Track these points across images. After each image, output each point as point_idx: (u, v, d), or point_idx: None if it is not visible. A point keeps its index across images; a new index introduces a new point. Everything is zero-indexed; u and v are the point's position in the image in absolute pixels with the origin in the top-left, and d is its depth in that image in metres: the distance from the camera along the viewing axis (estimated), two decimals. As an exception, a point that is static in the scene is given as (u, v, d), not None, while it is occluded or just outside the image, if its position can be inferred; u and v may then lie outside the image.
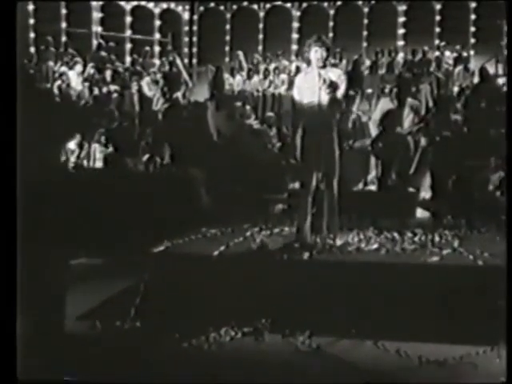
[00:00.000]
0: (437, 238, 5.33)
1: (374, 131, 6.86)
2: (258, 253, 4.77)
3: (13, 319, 2.79)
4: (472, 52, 13.34)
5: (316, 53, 4.86)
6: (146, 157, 8.76)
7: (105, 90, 11.28)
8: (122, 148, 9.23)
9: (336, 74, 4.88)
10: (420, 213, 7.43)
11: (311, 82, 4.87)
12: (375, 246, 4.99)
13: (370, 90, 12.26)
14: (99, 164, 8.80)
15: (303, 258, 4.59)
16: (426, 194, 7.90)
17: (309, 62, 4.95)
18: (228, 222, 6.48)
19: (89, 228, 5.82)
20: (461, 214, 7.16)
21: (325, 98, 4.80)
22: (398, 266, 4.46)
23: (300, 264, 4.55)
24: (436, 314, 3.98)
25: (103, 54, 12.53)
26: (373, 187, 7.94)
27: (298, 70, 12.89)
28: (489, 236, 5.63)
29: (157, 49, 13.94)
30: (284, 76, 12.96)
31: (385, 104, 6.95)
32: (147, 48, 13.15)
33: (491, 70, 12.12)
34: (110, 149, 9.07)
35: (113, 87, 11.37)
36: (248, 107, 12.01)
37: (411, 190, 7.73)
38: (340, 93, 4.85)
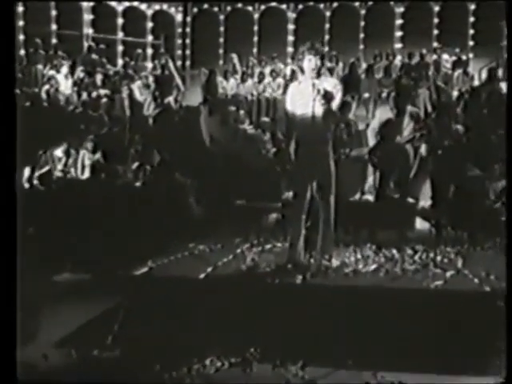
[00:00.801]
0: (439, 258, 5.05)
1: (371, 140, 6.56)
2: (248, 275, 4.48)
3: (13, 319, 2.77)
4: (471, 55, 13.05)
5: (310, 62, 4.57)
6: (135, 165, 8.44)
7: (94, 94, 10.94)
8: (110, 155, 8.90)
9: (331, 84, 4.58)
10: (419, 223, 7.15)
11: (305, 92, 4.58)
12: (373, 266, 4.70)
13: (367, 95, 11.97)
14: (87, 173, 8.46)
15: (296, 281, 4.29)
16: (425, 202, 7.62)
17: (302, 71, 4.65)
18: (218, 236, 6.20)
19: (71, 242, 5.54)
20: (462, 225, 6.90)
21: (319, 110, 4.51)
22: (398, 291, 4.17)
23: (293, 288, 4.26)
24: (439, 344, 3.68)
25: (94, 56, 12.19)
26: (370, 197, 7.64)
27: (293, 73, 12.62)
28: (493, 254, 5.36)
29: (149, 51, 13.61)
30: (279, 79, 12.65)
31: (383, 112, 6.65)
32: (139, 51, 12.82)
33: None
34: (98, 156, 8.73)
35: (103, 91, 11.04)
36: (242, 112, 11.72)
37: (410, 200, 7.44)
38: (335, 104, 4.56)
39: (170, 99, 11.17)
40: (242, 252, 5.40)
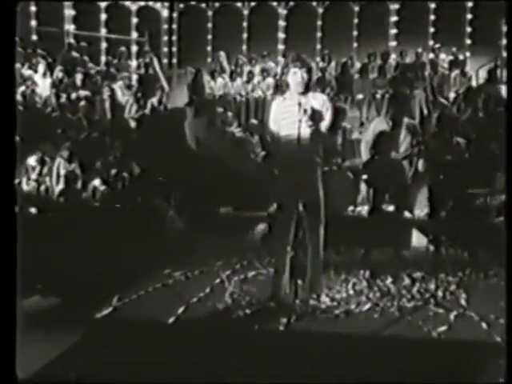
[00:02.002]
0: (439, 292, 4.57)
1: (365, 155, 6.04)
2: (224, 318, 3.97)
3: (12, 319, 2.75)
4: (468, 54, 12.54)
5: (295, 75, 4.03)
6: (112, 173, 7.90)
7: (74, 95, 10.35)
8: (87, 164, 8.37)
9: (320, 101, 4.03)
10: (416, 239, 6.67)
11: (290, 111, 4.04)
12: (367, 306, 4.21)
13: (360, 96, 11.46)
14: (61, 184, 7.92)
15: (279, 327, 3.79)
16: (421, 212, 7.14)
17: (287, 86, 4.13)
18: (198, 257, 5.72)
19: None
20: (461, 242, 6.46)
21: (306, 132, 3.98)
22: (395, 339, 3.67)
23: (275, 335, 3.75)
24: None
25: (75, 54, 11.57)
26: (363, 210, 7.14)
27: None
28: (498, 282, 4.89)
29: (134, 49, 12.99)
30: (269, 79, 12.10)
31: (378, 125, 6.12)
32: (123, 48, 12.21)
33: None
34: (74, 165, 8.19)
35: (83, 93, 10.45)
36: (230, 113, 11.19)
37: (407, 214, 6.97)
38: (324, 125, 4.03)
39: (154, 100, 10.62)
40: (221, 282, 4.90)
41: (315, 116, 3.88)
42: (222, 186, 8.75)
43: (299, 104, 3.91)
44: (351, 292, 4.52)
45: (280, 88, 11.74)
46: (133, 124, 10.08)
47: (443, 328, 3.76)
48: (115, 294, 4.41)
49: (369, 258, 6.06)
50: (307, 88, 4.03)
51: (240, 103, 11.72)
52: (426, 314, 4.08)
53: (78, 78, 10.62)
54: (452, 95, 11.26)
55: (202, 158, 9.86)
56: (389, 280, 5.01)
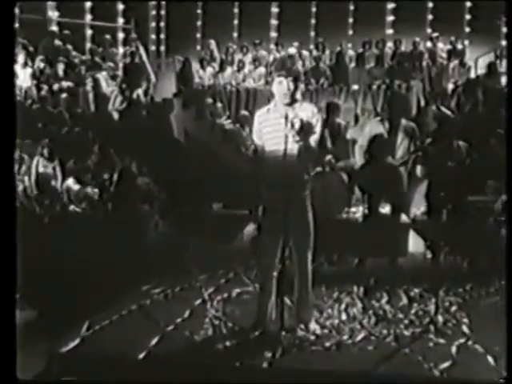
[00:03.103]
0: (439, 317, 4.22)
1: (359, 159, 5.65)
2: (202, 350, 3.61)
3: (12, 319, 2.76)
4: (467, 42, 12.09)
5: (280, 85, 3.61)
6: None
7: (56, 86, 9.87)
8: (67, 162, 7.94)
9: (308, 113, 3.62)
10: (413, 243, 6.32)
11: (275, 124, 3.62)
12: (361, 335, 3.85)
13: (355, 87, 11.06)
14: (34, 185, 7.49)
15: (263, 363, 3.43)
16: (417, 209, 6.80)
17: (272, 95, 3.71)
18: (180, 271, 5.37)
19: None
20: (460, 248, 6.14)
21: (294, 147, 3.58)
22: (392, 377, 3.32)
23: (259, 373, 3.39)
24: None
25: (57, 43, 11.05)
26: (358, 212, 6.77)
27: (274, 61, 11.65)
28: (499, 300, 4.57)
29: (120, 36, 12.46)
30: (261, 69, 11.65)
31: (374, 127, 5.72)
32: (108, 36, 11.69)
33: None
34: (54, 164, 7.76)
35: (65, 84, 9.97)
36: (219, 104, 10.78)
37: (404, 219, 6.60)
38: (314, 139, 3.62)
39: (140, 92, 10.16)
40: (203, 302, 4.54)
41: (303, 130, 3.48)
42: (211, 182, 8.41)
43: (286, 117, 3.50)
44: (344, 317, 4.15)
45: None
46: (116, 116, 9.62)
47: (446, 364, 3.41)
48: (86, 319, 4.04)
49: (363, 269, 5.72)
50: (294, 98, 3.63)
51: (230, 94, 11.29)
52: (426, 345, 3.73)
53: (60, 67, 10.13)
54: (450, 86, 10.88)
55: (190, 152, 9.51)
56: (384, 299, 4.67)
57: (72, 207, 6.64)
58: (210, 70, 11.58)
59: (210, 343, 3.68)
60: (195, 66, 11.54)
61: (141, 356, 3.46)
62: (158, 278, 5.07)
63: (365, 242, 5.99)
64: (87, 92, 9.87)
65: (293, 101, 3.62)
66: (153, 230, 6.54)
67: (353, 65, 11.39)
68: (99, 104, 9.82)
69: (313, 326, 3.91)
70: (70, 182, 7.09)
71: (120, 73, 10.62)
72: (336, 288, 4.91)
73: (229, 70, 11.58)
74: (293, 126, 3.46)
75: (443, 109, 7.12)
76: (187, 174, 8.44)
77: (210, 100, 10.78)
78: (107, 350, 3.58)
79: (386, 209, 6.74)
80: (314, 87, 11.15)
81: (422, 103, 10.81)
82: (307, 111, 3.61)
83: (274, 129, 3.62)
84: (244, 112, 10.63)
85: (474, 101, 9.33)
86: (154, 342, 3.67)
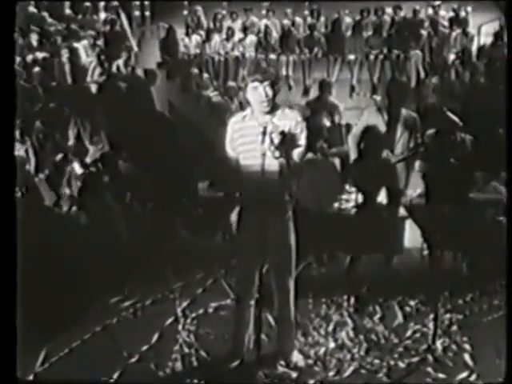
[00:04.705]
0: (438, 344, 3.78)
1: (353, 151, 5.10)
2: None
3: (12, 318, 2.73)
4: (470, 9, 11.38)
5: (255, 91, 3.04)
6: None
7: (30, 58, 9.18)
8: (43, 144, 7.38)
9: (291, 121, 3.07)
10: (409, 237, 5.87)
11: (251, 134, 3.05)
12: (351, 369, 3.41)
13: (352, 57, 10.46)
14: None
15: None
16: (413, 192, 6.34)
17: (248, 103, 3.15)
18: (154, 275, 4.92)
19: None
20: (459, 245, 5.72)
21: (273, 163, 3.04)
22: None
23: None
24: None
25: (31, 10, 10.28)
26: (351, 202, 6.29)
27: (267, 28, 10.95)
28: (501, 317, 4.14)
29: (102, 2, 11.58)
30: (252, 36, 10.98)
31: (370, 116, 5.14)
32: (88, 3, 10.88)
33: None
34: (26, 146, 7.20)
35: (40, 55, 9.29)
36: (206, 75, 10.18)
37: (402, 212, 6.12)
38: (298, 152, 3.08)
39: (120, 62, 9.51)
40: (175, 320, 4.09)
41: (285, 144, 2.93)
42: (196, 159, 7.93)
43: (263, 131, 2.94)
44: (331, 345, 3.70)
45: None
46: (94, 89, 9.00)
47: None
48: (44, 347, 3.59)
49: (355, 271, 5.27)
50: (274, 105, 3.08)
51: (218, 64, 10.66)
52: (423, 381, 3.30)
53: (34, 38, 9.41)
54: (452, 57, 10.28)
55: (172, 128, 8.96)
56: (377, 315, 4.23)
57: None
58: (196, 38, 10.91)
59: (176, 379, 3.24)
60: (180, 33, 10.86)
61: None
62: (128, 287, 4.61)
63: (358, 237, 5.55)
64: (63, 63, 9.20)
65: (272, 108, 3.07)
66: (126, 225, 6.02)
67: (349, 33, 10.73)
68: (77, 77, 9.17)
69: (295, 356, 3.46)
70: (76, 165, 6.47)
71: (100, 42, 9.92)
72: (324, 299, 4.48)
73: (217, 38, 10.91)
74: (272, 141, 2.91)
75: (450, 115, 6.56)
76: (172, 150, 7.96)
77: (195, 70, 10.19)
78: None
79: (381, 196, 6.28)
80: (308, 57, 10.57)
81: (422, 75, 10.26)
82: (290, 119, 3.05)
83: (250, 140, 3.06)
84: (232, 83, 10.05)
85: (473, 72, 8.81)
86: (116, 375, 3.23)
